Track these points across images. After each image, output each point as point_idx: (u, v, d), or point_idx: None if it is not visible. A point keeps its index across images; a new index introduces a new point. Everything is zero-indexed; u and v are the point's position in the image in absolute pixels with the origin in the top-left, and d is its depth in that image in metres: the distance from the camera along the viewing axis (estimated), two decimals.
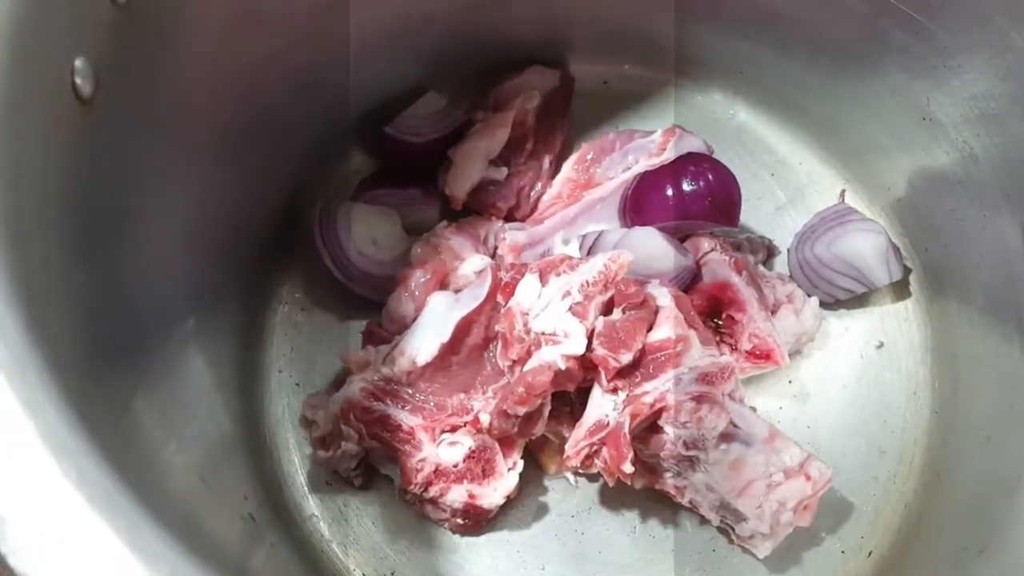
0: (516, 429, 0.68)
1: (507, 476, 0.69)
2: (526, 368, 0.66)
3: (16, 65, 0.43)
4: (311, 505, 0.73)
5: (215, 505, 0.60)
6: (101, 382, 0.44)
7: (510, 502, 0.70)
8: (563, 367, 0.65)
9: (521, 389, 0.65)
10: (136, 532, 0.33)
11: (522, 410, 0.66)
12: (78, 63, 0.47)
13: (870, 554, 0.72)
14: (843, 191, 0.82)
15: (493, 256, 0.78)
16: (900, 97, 0.73)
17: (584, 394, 0.69)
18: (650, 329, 0.68)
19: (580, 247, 0.75)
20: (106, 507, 0.33)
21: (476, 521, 0.71)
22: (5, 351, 0.34)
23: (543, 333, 0.66)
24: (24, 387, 0.34)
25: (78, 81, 0.47)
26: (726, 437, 0.66)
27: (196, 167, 0.64)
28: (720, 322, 0.74)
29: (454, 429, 0.70)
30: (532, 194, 0.81)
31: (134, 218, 0.55)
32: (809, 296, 0.76)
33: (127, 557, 0.32)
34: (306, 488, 0.73)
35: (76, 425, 0.35)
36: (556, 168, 0.82)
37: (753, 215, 0.81)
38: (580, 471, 0.69)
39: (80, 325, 0.44)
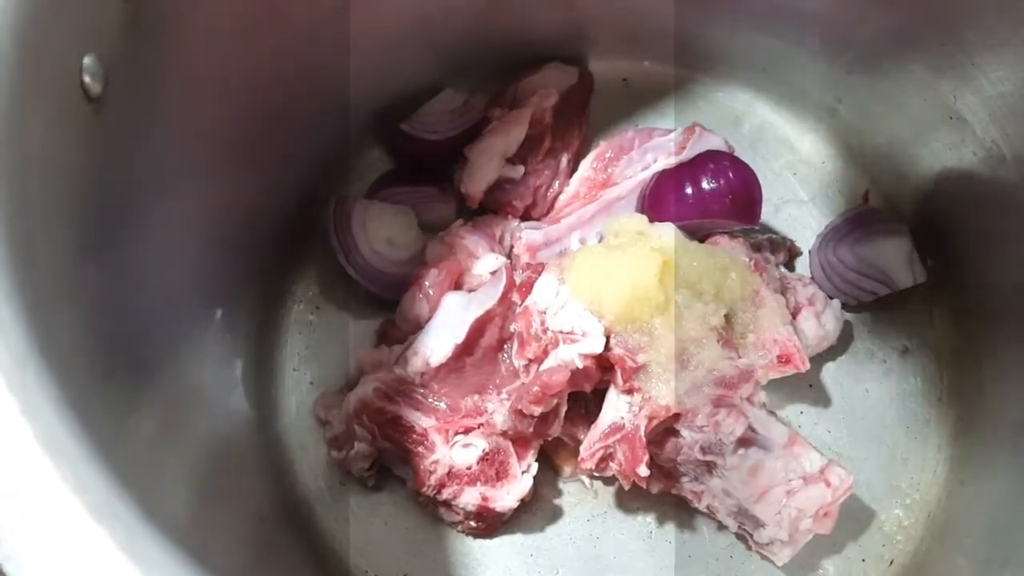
0: (531, 429, 0.67)
1: (521, 479, 0.69)
2: (543, 367, 0.65)
3: (23, 62, 0.43)
4: (324, 506, 0.72)
5: (225, 507, 0.60)
6: (107, 385, 0.44)
7: (524, 505, 0.70)
8: (580, 366, 0.64)
9: (537, 388, 0.64)
10: (135, 539, 0.32)
11: (538, 410, 0.65)
12: (87, 61, 0.47)
13: (891, 563, 0.70)
14: (867, 192, 0.81)
15: (509, 255, 0.77)
16: (926, 95, 0.72)
17: (600, 396, 0.68)
18: None
19: None
20: (104, 514, 0.33)
21: (489, 524, 0.70)
22: (5, 353, 0.34)
23: (560, 331, 0.65)
24: (24, 391, 0.34)
25: (87, 79, 0.47)
26: (744, 442, 0.65)
27: (208, 166, 0.63)
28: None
29: (468, 431, 0.69)
30: (549, 193, 0.80)
31: (145, 218, 0.55)
32: (831, 299, 0.75)
33: (125, 565, 0.32)
34: (319, 488, 0.73)
35: (76, 430, 0.34)
36: (574, 167, 0.81)
37: (774, 215, 0.80)
38: (595, 474, 0.68)
39: (89, 327, 0.44)
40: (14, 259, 0.38)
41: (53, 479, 0.33)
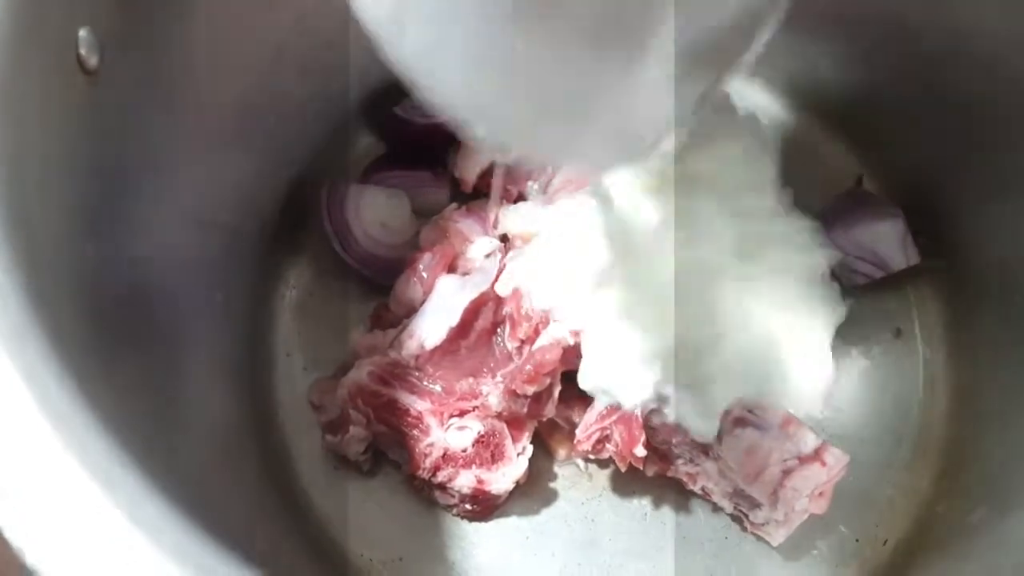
0: (526, 410, 0.67)
1: (516, 461, 0.69)
2: (535, 346, 0.65)
3: (19, 33, 0.42)
4: (319, 490, 0.72)
5: (221, 487, 0.59)
6: (105, 359, 0.43)
7: (519, 488, 0.69)
8: (572, 343, 0.64)
9: (530, 367, 0.64)
10: (139, 506, 0.32)
11: (531, 389, 0.65)
12: (82, 33, 0.47)
13: (886, 542, 0.71)
14: (860, 176, 0.81)
15: (503, 239, 0.76)
16: (916, 78, 0.72)
17: None
18: None
19: None
20: (108, 481, 0.32)
21: (485, 507, 0.70)
22: (4, 321, 0.34)
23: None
24: (24, 359, 0.33)
25: (82, 51, 0.47)
26: (740, 422, 0.65)
27: (203, 146, 0.63)
28: None
29: (463, 414, 0.69)
30: (542, 177, 0.80)
31: (141, 196, 0.55)
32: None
33: (129, 530, 0.31)
34: (314, 473, 0.72)
35: (78, 399, 0.34)
36: None
37: None
38: (591, 456, 0.68)
39: (86, 300, 0.44)
40: (11, 230, 0.38)
41: (55, 446, 0.32)
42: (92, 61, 0.47)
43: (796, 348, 0.68)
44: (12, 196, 0.39)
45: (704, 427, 0.63)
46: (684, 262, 0.65)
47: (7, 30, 0.42)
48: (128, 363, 0.49)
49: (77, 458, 0.32)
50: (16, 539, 0.31)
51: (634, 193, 0.68)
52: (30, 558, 0.31)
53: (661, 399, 0.64)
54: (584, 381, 0.64)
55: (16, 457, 0.32)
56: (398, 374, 0.69)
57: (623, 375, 0.63)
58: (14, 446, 0.32)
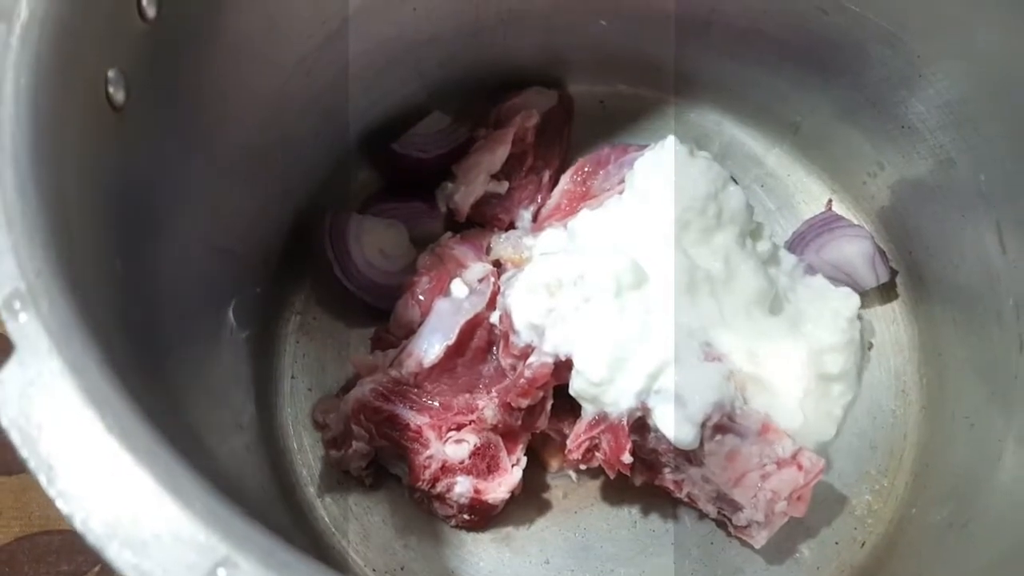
0: (520, 422, 0.70)
1: (511, 472, 0.72)
2: (528, 361, 0.69)
3: (55, 72, 0.47)
4: (323, 504, 0.75)
5: (231, 496, 0.62)
6: (135, 361, 0.47)
7: (514, 499, 0.73)
8: (563, 358, 0.68)
9: (523, 381, 0.68)
10: (175, 478, 0.36)
11: (524, 402, 0.69)
12: (111, 73, 0.51)
13: (863, 545, 0.74)
14: (830, 200, 0.86)
15: (496, 265, 0.81)
16: (880, 108, 0.77)
17: None
18: None
19: None
20: (146, 457, 0.36)
21: (482, 516, 0.73)
22: (53, 315, 0.38)
23: None
24: (70, 350, 0.37)
25: (111, 90, 0.51)
26: (721, 429, 0.69)
27: (215, 178, 0.67)
28: None
29: (460, 427, 0.72)
30: (532, 206, 0.84)
31: (162, 220, 0.59)
32: None
33: (166, 500, 0.35)
34: (318, 488, 0.76)
35: (119, 386, 0.38)
36: (555, 183, 0.85)
37: None
38: (581, 467, 0.72)
39: (118, 310, 0.48)
40: (58, 242, 0.42)
41: (98, 427, 0.36)
42: (119, 98, 0.52)
43: (808, 400, 0.74)
44: (55, 212, 0.43)
45: (685, 435, 0.67)
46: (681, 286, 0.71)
47: (47, 67, 0.46)
48: (153, 376, 0.53)
49: (118, 438, 0.36)
50: (66, 509, 0.35)
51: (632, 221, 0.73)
52: (78, 524, 0.34)
53: (645, 409, 0.68)
54: (573, 388, 0.68)
55: (64, 437, 0.36)
56: (398, 391, 0.73)
57: (609, 384, 0.67)
58: (62, 427, 0.36)
